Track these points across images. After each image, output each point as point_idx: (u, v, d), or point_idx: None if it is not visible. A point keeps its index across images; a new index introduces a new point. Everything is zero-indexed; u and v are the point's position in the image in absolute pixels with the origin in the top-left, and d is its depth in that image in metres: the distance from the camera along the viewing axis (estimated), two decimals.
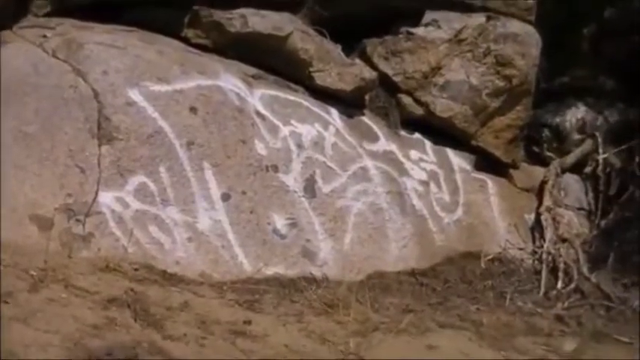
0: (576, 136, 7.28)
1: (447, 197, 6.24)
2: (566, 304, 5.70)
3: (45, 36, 5.31)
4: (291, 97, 5.82)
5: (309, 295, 4.94)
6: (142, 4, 5.72)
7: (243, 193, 5.26)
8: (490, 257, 6.07)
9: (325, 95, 5.97)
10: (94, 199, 4.79)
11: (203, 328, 4.10)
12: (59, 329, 3.74)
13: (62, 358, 3.52)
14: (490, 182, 6.53)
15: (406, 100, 6.32)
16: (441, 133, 6.43)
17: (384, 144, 6.09)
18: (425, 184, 6.14)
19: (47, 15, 5.54)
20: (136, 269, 4.61)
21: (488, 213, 6.41)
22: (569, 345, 5.04)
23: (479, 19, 6.42)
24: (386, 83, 6.27)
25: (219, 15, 5.80)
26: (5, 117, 4.84)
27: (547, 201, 6.58)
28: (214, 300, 4.53)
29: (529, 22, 6.57)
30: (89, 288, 4.18)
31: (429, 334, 4.69)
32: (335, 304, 4.79)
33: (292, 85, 5.90)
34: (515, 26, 6.49)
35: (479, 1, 6.44)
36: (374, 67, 6.24)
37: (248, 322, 4.27)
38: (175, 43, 5.75)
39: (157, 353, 3.73)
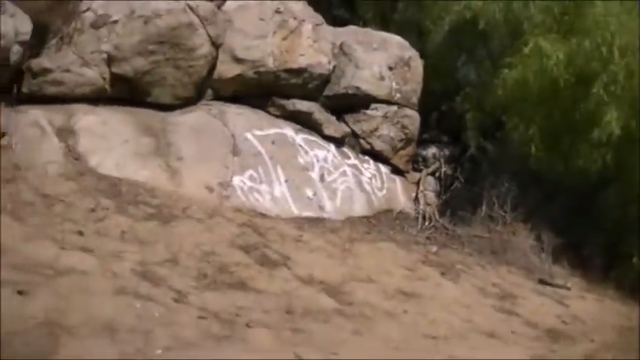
0: (432, 160, 7.11)
1: (379, 184, 6.10)
2: (430, 232, 5.70)
3: (210, 109, 5.21)
4: (314, 139, 5.71)
5: (322, 225, 4.96)
6: (249, 97, 5.55)
7: (293, 180, 5.23)
8: (398, 211, 5.99)
9: (328, 138, 5.86)
10: (231, 180, 4.79)
11: (282, 237, 4.22)
12: (222, 234, 3.84)
13: (227, 247, 3.58)
14: (398, 179, 6.37)
15: (362, 142, 6.16)
16: (378, 157, 6.27)
17: (353, 161, 5.98)
18: (370, 178, 6.03)
19: (211, 99, 5.36)
20: (250, 211, 4.64)
21: (397, 192, 6.27)
22: (434, 249, 5.21)
23: (394, 107, 6.29)
24: (354, 134, 6.13)
25: (283, 102, 5.67)
26: (203, 144, 4.80)
27: (421, 188, 6.44)
28: (285, 226, 4.57)
29: (415, 110, 6.45)
30: (232, 218, 4.25)
31: (378, 243, 4.80)
32: (336, 229, 4.87)
33: (314, 133, 5.77)
34: (408, 111, 6.37)
35: (394, 99, 6.27)
36: (349, 126, 6.11)
37: (301, 236, 4.37)
38: (265, 113, 5.60)
39: (266, 247, 3.83)
